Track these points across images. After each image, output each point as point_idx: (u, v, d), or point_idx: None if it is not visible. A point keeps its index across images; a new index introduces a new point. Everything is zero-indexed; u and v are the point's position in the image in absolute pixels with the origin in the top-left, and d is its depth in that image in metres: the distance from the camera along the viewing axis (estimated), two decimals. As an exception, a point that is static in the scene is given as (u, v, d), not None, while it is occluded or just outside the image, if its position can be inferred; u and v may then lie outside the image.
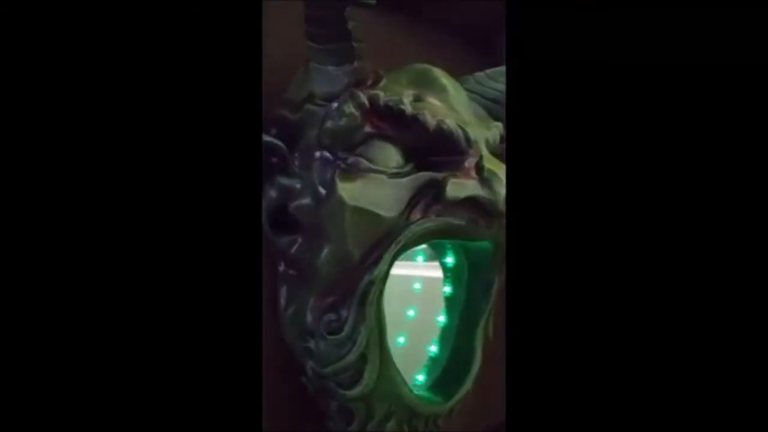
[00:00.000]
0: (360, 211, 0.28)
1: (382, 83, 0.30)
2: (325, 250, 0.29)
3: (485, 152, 0.30)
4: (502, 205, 0.29)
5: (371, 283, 0.29)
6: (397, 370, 0.31)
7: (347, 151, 0.29)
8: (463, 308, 0.37)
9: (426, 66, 0.32)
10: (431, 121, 0.29)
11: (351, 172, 0.29)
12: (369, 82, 0.30)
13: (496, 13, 0.27)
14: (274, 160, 0.30)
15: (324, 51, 0.28)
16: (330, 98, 0.29)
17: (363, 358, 0.29)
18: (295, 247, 0.31)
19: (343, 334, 0.29)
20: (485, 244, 0.35)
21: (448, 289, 0.39)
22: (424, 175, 0.30)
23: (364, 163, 0.29)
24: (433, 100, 0.31)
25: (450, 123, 0.29)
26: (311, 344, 0.30)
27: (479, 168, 0.29)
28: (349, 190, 0.28)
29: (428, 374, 0.37)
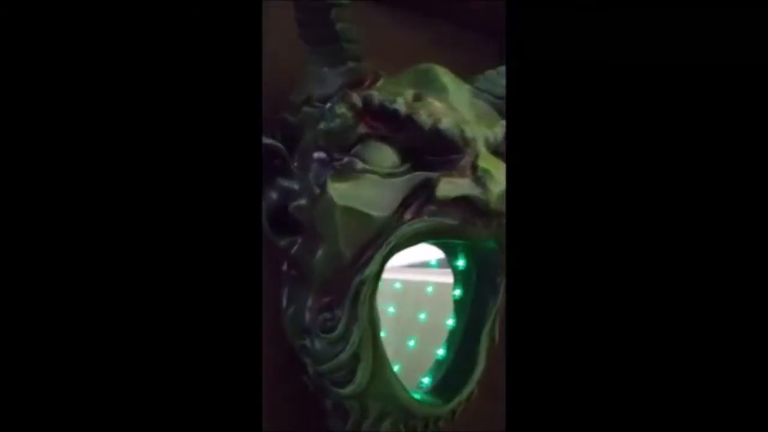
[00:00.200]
0: (350, 211, 0.28)
1: (380, 83, 0.30)
2: (320, 251, 0.30)
3: (483, 151, 0.30)
4: (496, 204, 0.28)
5: (362, 282, 0.29)
6: (392, 370, 0.31)
7: (342, 151, 0.29)
8: (471, 311, 0.37)
9: (429, 65, 0.32)
10: (427, 121, 0.29)
11: (345, 173, 0.29)
12: (367, 83, 0.30)
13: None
14: (275, 162, 0.31)
15: (317, 53, 0.28)
16: (325, 100, 0.29)
17: (356, 357, 0.30)
18: (295, 248, 0.31)
19: (336, 332, 0.29)
20: (491, 245, 0.35)
21: (457, 291, 0.38)
22: (419, 175, 0.30)
23: (359, 163, 0.29)
24: (432, 100, 0.30)
25: (446, 122, 0.29)
26: (308, 343, 0.31)
27: (473, 167, 0.29)
28: (339, 191, 0.29)
29: (433, 376, 0.37)
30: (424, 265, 0.41)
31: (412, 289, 0.43)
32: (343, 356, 0.29)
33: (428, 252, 0.39)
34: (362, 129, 0.29)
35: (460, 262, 0.38)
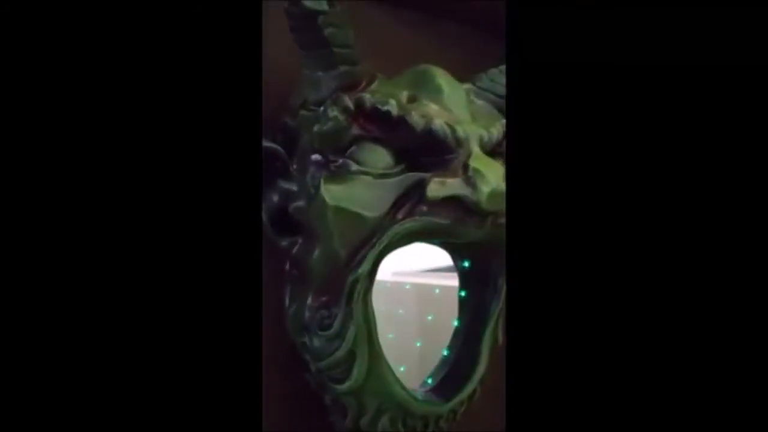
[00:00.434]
0: (342, 212, 0.29)
1: (374, 85, 0.31)
2: (317, 251, 0.31)
3: (476, 151, 0.30)
4: (487, 204, 0.28)
5: (356, 281, 0.29)
6: (389, 368, 0.32)
7: (337, 153, 0.30)
8: (474, 311, 0.37)
9: (426, 67, 0.33)
10: (419, 122, 0.29)
11: (339, 174, 0.30)
12: (362, 85, 0.31)
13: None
14: (276, 164, 0.32)
15: (310, 58, 0.29)
16: (320, 103, 0.30)
17: (352, 354, 0.30)
18: (296, 248, 0.32)
19: (333, 330, 0.30)
20: (495, 246, 0.35)
21: (462, 292, 0.39)
22: (412, 176, 0.30)
23: (353, 165, 0.30)
24: (426, 101, 0.31)
25: (438, 123, 0.30)
26: (307, 340, 0.31)
27: (465, 167, 0.29)
28: (332, 192, 0.29)
29: (436, 376, 0.37)
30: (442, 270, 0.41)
31: (421, 291, 0.44)
32: (340, 353, 0.30)
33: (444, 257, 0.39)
34: (356, 131, 0.30)
35: (465, 263, 0.38)
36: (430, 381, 0.37)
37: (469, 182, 0.29)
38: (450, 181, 0.29)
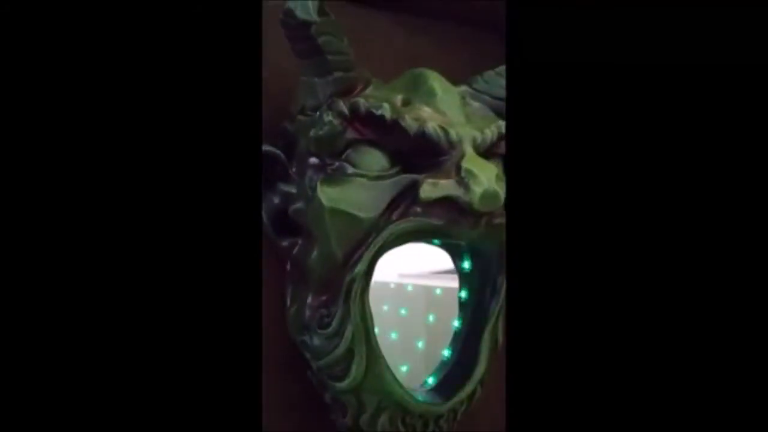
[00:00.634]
0: (338, 213, 0.30)
1: (369, 90, 0.32)
2: (315, 251, 0.31)
3: (469, 152, 0.30)
4: (479, 205, 0.29)
5: (352, 281, 0.30)
6: (387, 367, 0.32)
7: (334, 157, 0.31)
8: (474, 312, 0.37)
9: (420, 70, 0.34)
10: (412, 125, 0.30)
11: (335, 177, 0.31)
12: (357, 90, 0.31)
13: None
14: (276, 167, 0.33)
15: (306, 65, 0.30)
16: (316, 108, 0.31)
17: (350, 353, 0.31)
18: (296, 249, 0.33)
19: (331, 329, 0.31)
20: (493, 246, 0.35)
21: (463, 293, 0.39)
22: (406, 178, 0.31)
23: (349, 168, 0.31)
24: (420, 104, 0.32)
25: (430, 125, 0.30)
26: (307, 338, 0.32)
27: (457, 168, 0.30)
28: (328, 194, 0.30)
29: (437, 376, 0.37)
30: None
31: (423, 292, 0.44)
32: (339, 351, 0.31)
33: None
34: (351, 135, 0.31)
35: (465, 264, 0.39)
36: (430, 381, 0.37)
37: (462, 183, 0.29)
38: (443, 182, 0.30)
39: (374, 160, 0.31)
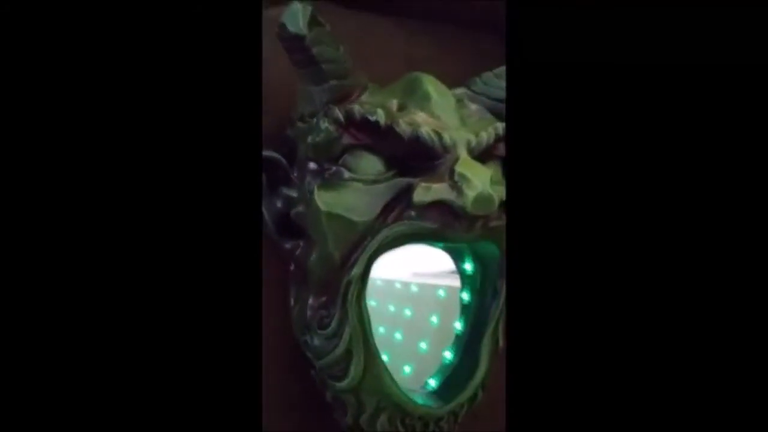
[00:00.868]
0: (334, 217, 0.31)
1: (365, 96, 0.32)
2: (314, 253, 0.32)
3: (463, 155, 0.31)
4: (472, 208, 0.29)
5: (349, 283, 0.31)
6: (386, 368, 0.33)
7: (331, 162, 0.32)
8: (475, 315, 0.37)
9: (416, 74, 0.34)
10: (406, 130, 0.31)
11: (332, 181, 0.32)
12: (354, 96, 0.32)
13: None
14: (278, 172, 0.34)
15: (303, 74, 0.31)
16: (314, 115, 0.32)
17: (348, 353, 0.32)
18: (298, 251, 0.34)
19: (330, 329, 0.32)
20: (494, 249, 0.35)
21: (464, 295, 0.39)
22: (401, 181, 0.31)
23: (346, 172, 0.31)
24: (415, 108, 0.32)
25: (424, 130, 0.31)
26: (308, 338, 0.33)
27: (451, 172, 0.30)
28: (324, 198, 0.31)
29: (439, 378, 0.37)
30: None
31: (427, 292, 0.44)
32: (337, 351, 0.32)
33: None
34: (347, 140, 0.31)
35: (467, 266, 0.39)
36: (432, 383, 0.38)
37: (455, 187, 0.29)
38: (436, 186, 0.30)
39: (370, 164, 0.31)
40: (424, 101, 0.32)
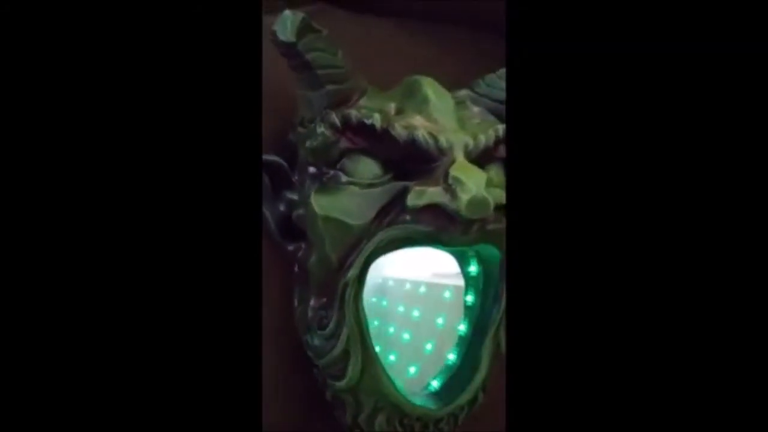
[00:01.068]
0: (330, 220, 0.31)
1: (363, 100, 0.33)
2: (313, 256, 0.33)
3: (460, 158, 0.31)
4: (466, 212, 0.29)
5: (345, 285, 0.31)
6: (383, 369, 0.33)
7: (329, 166, 0.32)
8: (478, 317, 0.37)
9: (415, 78, 0.34)
10: (402, 133, 0.31)
11: (330, 185, 0.32)
12: (352, 100, 0.33)
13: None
14: (281, 176, 0.35)
15: (300, 79, 0.32)
16: (312, 120, 0.33)
17: (346, 354, 0.32)
18: (300, 253, 0.35)
19: (328, 330, 0.32)
20: (495, 251, 0.35)
21: (469, 298, 0.39)
22: (396, 185, 0.32)
23: (343, 176, 0.32)
24: (412, 112, 0.32)
25: (420, 133, 0.31)
26: (309, 338, 0.34)
27: (446, 175, 0.30)
28: (320, 202, 0.32)
29: (441, 380, 0.38)
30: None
31: (434, 293, 0.45)
32: (336, 352, 0.32)
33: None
34: (345, 144, 0.32)
35: (472, 268, 0.39)
36: (434, 384, 0.38)
37: (449, 190, 0.29)
38: (430, 189, 0.30)
39: (367, 168, 0.32)
40: (422, 105, 0.32)
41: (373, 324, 0.45)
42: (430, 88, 0.33)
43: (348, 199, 0.31)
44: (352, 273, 0.31)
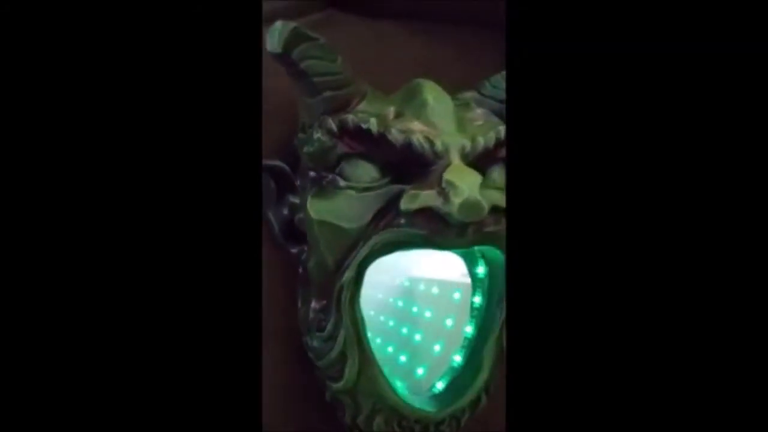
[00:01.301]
0: (325, 224, 0.32)
1: (363, 105, 0.33)
2: (312, 259, 0.33)
3: (455, 161, 0.31)
4: (458, 215, 0.29)
5: (341, 288, 0.32)
6: (381, 371, 0.33)
7: (328, 170, 0.33)
8: (483, 319, 0.37)
9: (417, 81, 0.34)
10: (398, 137, 0.31)
11: (327, 189, 0.33)
12: (351, 105, 0.33)
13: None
14: (284, 181, 0.36)
15: (298, 87, 0.32)
16: (311, 126, 0.33)
17: (343, 356, 0.33)
18: (303, 255, 0.36)
19: (326, 332, 0.33)
20: (498, 253, 0.35)
21: (476, 299, 0.39)
22: (392, 189, 0.32)
23: (341, 180, 0.32)
24: (410, 116, 0.32)
25: (416, 137, 0.31)
26: (308, 340, 0.35)
27: (440, 178, 0.30)
28: (316, 206, 0.32)
29: (446, 382, 0.38)
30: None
31: (445, 294, 0.44)
32: (333, 354, 0.33)
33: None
34: (342, 149, 0.32)
35: (480, 270, 0.39)
36: (439, 386, 0.38)
37: (442, 194, 0.29)
38: (424, 193, 0.30)
39: (365, 172, 0.32)
40: (421, 108, 0.32)
41: (388, 324, 0.45)
42: (429, 91, 0.33)
43: (344, 203, 0.32)
44: (348, 276, 0.32)
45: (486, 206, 0.29)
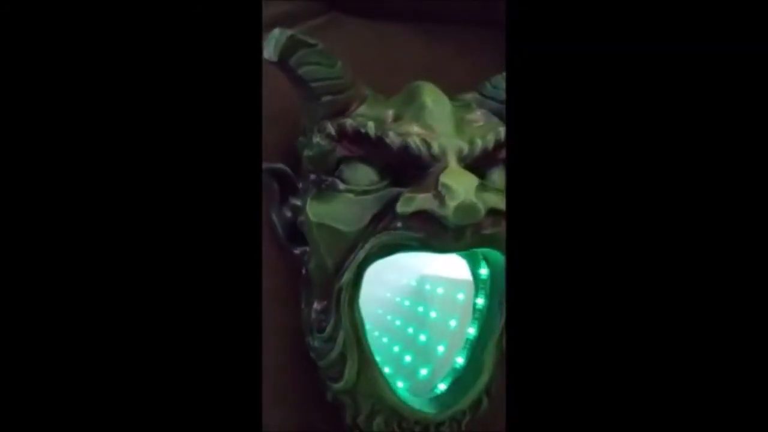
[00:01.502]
0: (323, 227, 0.32)
1: (362, 108, 0.33)
2: (312, 261, 0.34)
3: (452, 164, 0.31)
4: (454, 218, 0.29)
5: (340, 289, 0.32)
6: (380, 371, 0.34)
7: (327, 173, 0.33)
8: (485, 320, 0.37)
9: (417, 84, 0.34)
10: (395, 140, 0.31)
11: (326, 192, 0.33)
12: (351, 109, 0.33)
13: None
14: (287, 183, 0.36)
15: (298, 92, 0.33)
16: (311, 130, 0.33)
17: (343, 357, 0.33)
18: (305, 257, 0.36)
19: (326, 333, 0.33)
20: (499, 255, 0.35)
21: (479, 301, 0.39)
22: (390, 192, 0.32)
23: (340, 183, 0.33)
24: (409, 118, 0.32)
25: (413, 140, 0.31)
26: (310, 340, 0.35)
27: (436, 181, 0.30)
28: (314, 209, 0.33)
29: (448, 383, 0.38)
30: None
31: (450, 294, 0.44)
32: (333, 354, 0.33)
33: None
34: (341, 152, 0.32)
35: (483, 271, 0.39)
36: (441, 387, 0.38)
37: (438, 197, 0.29)
38: (420, 196, 0.30)
39: (364, 174, 0.32)
40: (419, 111, 0.32)
41: (395, 324, 0.46)
42: (428, 94, 0.33)
43: (342, 206, 0.32)
44: (347, 278, 0.32)
45: (482, 209, 0.29)
